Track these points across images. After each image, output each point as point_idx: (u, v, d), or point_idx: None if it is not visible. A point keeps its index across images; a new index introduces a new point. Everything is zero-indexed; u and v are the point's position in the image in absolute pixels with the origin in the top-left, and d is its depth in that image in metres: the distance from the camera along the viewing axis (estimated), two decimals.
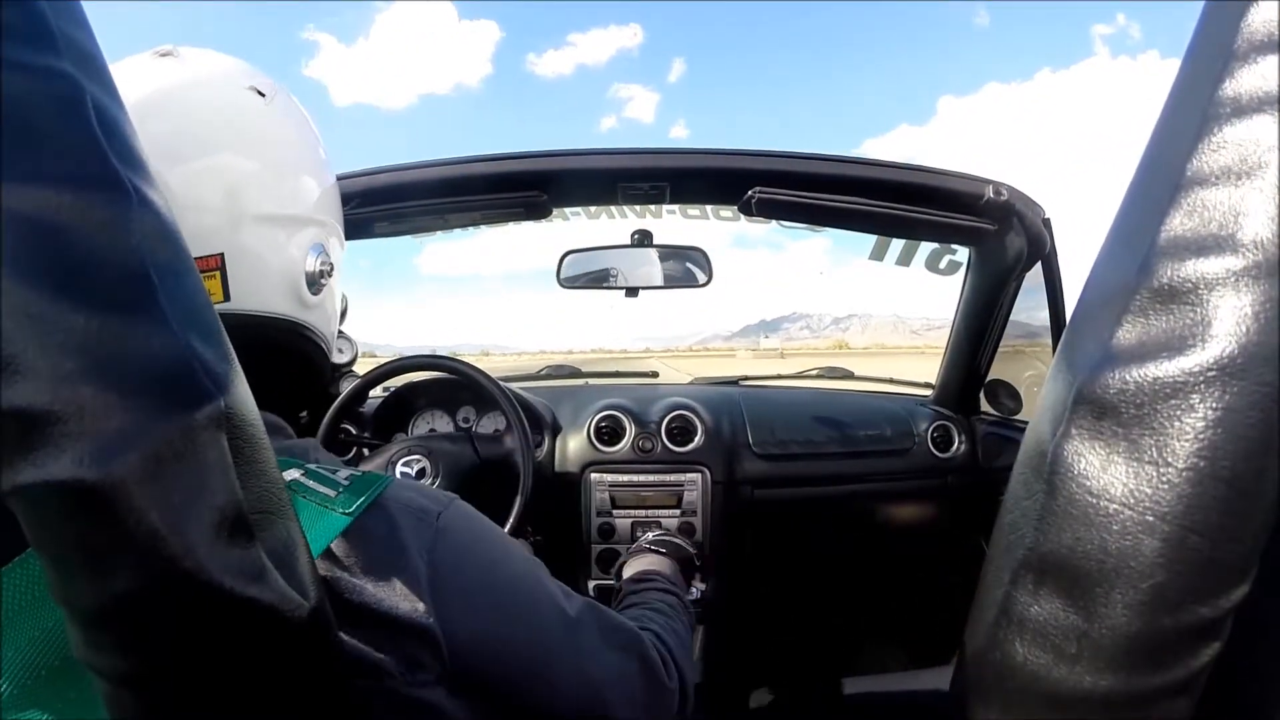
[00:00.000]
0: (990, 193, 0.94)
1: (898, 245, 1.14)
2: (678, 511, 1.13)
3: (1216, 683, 0.27)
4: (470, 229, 1.10)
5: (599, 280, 1.16)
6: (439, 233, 1.10)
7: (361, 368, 1.13)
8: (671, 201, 1.08)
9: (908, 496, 1.24)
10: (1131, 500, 0.25)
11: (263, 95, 0.44)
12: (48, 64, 0.22)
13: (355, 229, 0.93)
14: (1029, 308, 1.14)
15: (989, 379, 1.23)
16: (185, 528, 0.22)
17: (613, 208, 1.16)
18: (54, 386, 0.20)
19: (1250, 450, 0.24)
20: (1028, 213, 0.98)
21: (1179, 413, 0.24)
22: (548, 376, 1.60)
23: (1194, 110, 0.26)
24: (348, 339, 1.16)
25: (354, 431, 1.09)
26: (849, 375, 1.57)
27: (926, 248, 1.14)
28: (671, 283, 1.15)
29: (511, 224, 1.08)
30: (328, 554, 0.32)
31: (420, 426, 1.23)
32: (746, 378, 1.50)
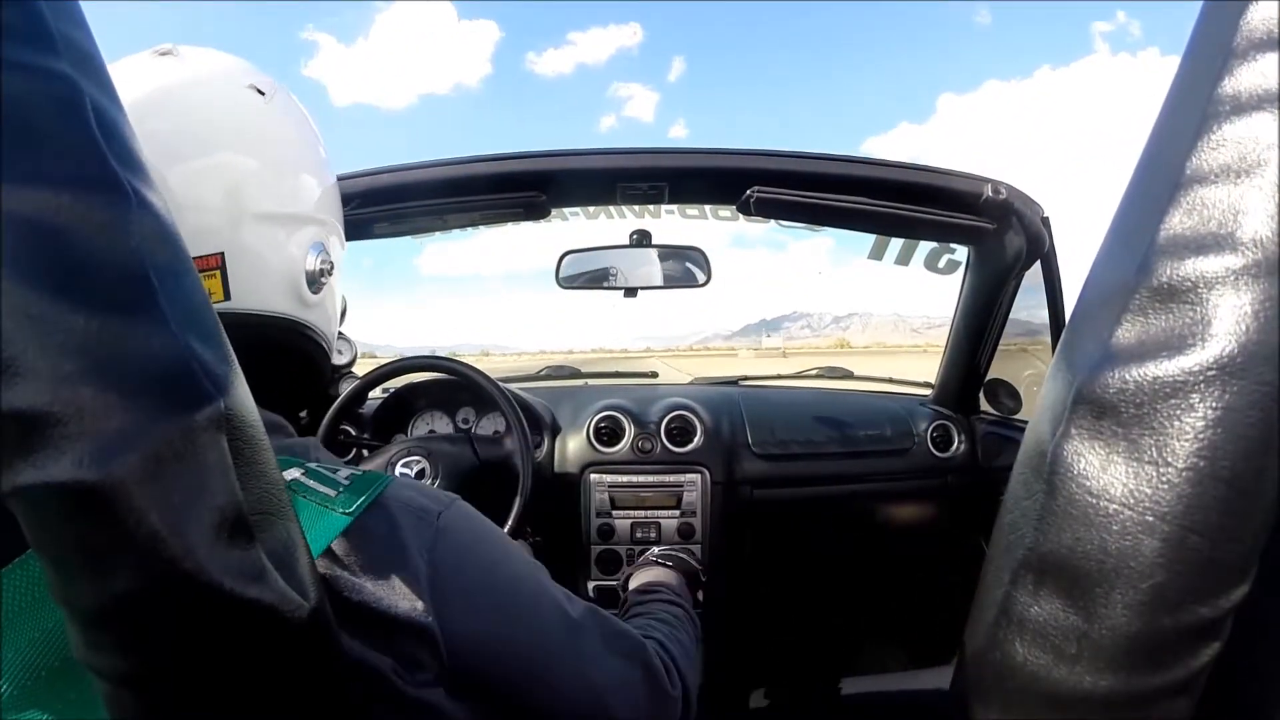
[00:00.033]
0: (989, 191, 0.94)
1: (897, 244, 1.14)
2: (677, 512, 1.13)
3: (1216, 683, 0.27)
4: (470, 229, 1.10)
5: (598, 280, 1.16)
6: (438, 233, 1.10)
7: (361, 368, 1.13)
8: (670, 201, 1.08)
9: (907, 496, 1.24)
10: (1131, 500, 0.25)
11: (262, 94, 0.44)
12: (47, 65, 0.22)
13: (355, 230, 0.93)
14: (1028, 306, 1.14)
15: (988, 378, 1.24)
16: (185, 528, 0.22)
17: (611, 208, 1.16)
18: (54, 387, 0.20)
19: (1250, 450, 0.24)
20: (1026, 211, 0.98)
21: (1179, 412, 0.24)
22: (547, 377, 1.60)
23: (1193, 108, 0.26)
24: (347, 340, 1.16)
25: (353, 432, 1.09)
26: (848, 375, 1.57)
27: (925, 247, 1.14)
28: (670, 283, 1.16)
29: (511, 224, 1.08)
30: (328, 553, 0.32)
31: (420, 427, 1.23)
32: (746, 378, 1.50)
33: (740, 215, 1.06)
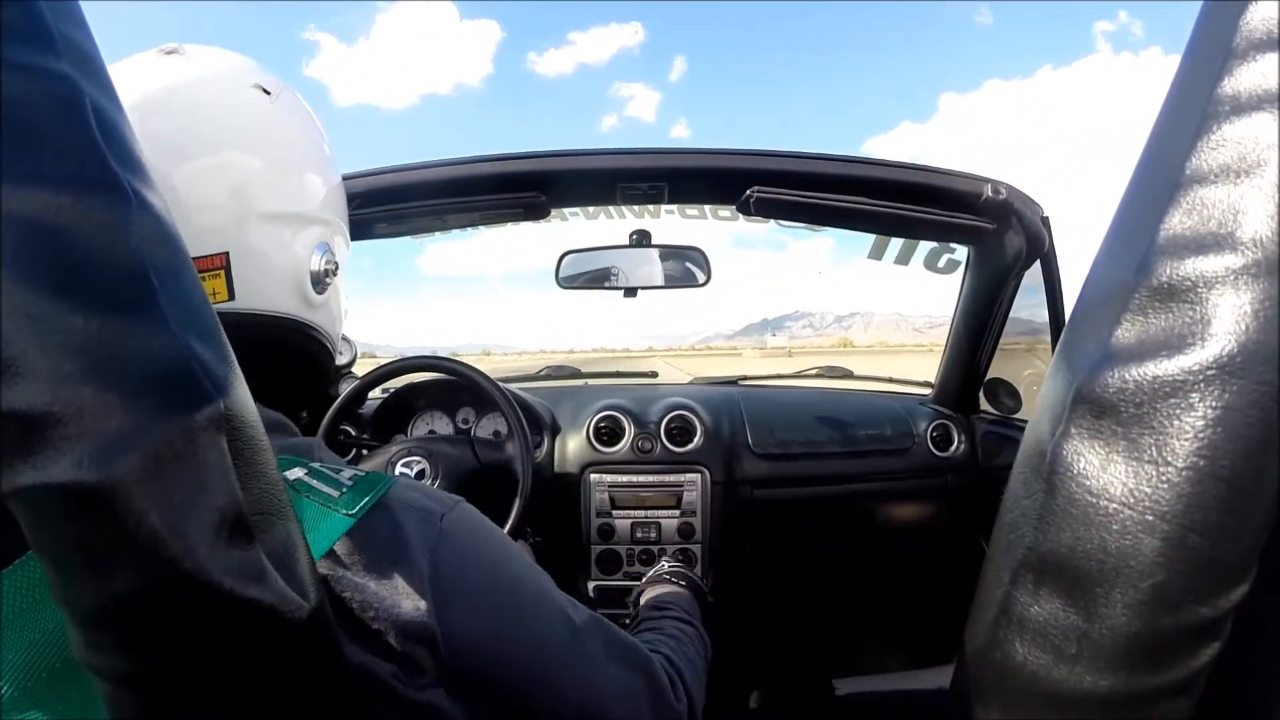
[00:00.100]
0: (989, 191, 0.94)
1: (897, 244, 1.14)
2: (677, 512, 1.13)
3: (1216, 683, 0.27)
4: (470, 229, 1.10)
5: (598, 280, 1.16)
6: (439, 233, 1.10)
7: (361, 368, 1.13)
8: (670, 201, 1.08)
9: (907, 496, 1.24)
10: (1131, 499, 0.25)
11: (268, 93, 0.44)
12: (47, 65, 0.22)
13: (355, 230, 0.92)
14: (1028, 306, 1.14)
15: (988, 378, 1.24)
16: (185, 529, 0.22)
17: (611, 208, 1.16)
18: (54, 388, 0.20)
19: (1250, 449, 0.24)
20: (1026, 211, 0.98)
21: (1178, 412, 0.24)
22: (547, 377, 1.60)
23: (1193, 108, 0.26)
24: (347, 340, 1.16)
25: (353, 433, 1.09)
26: (848, 374, 1.57)
27: (925, 246, 1.14)
28: (671, 282, 1.16)
29: (511, 225, 1.08)
30: (330, 553, 0.32)
31: (420, 428, 1.22)
32: (746, 377, 1.50)
33: (740, 215, 1.06)
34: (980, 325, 1.17)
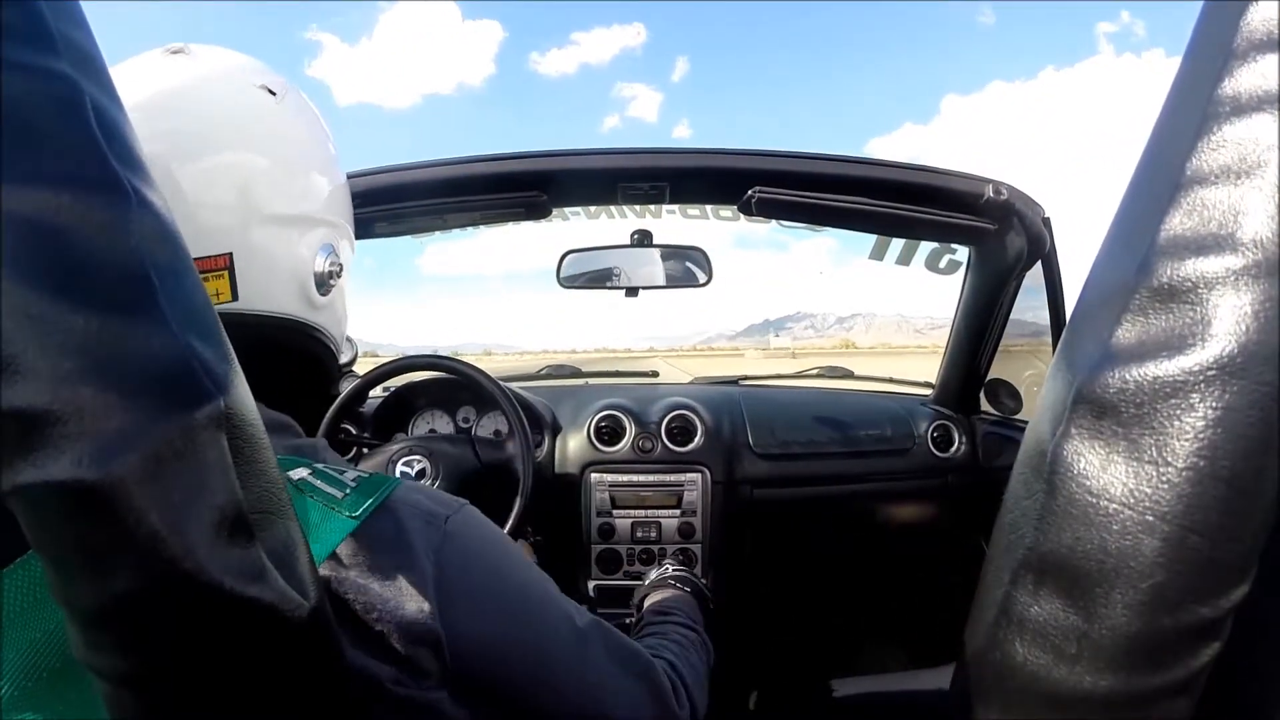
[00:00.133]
0: (990, 192, 0.94)
1: (898, 245, 1.14)
2: (678, 512, 1.13)
3: (1216, 683, 0.27)
4: (470, 229, 1.10)
5: (599, 280, 1.16)
6: (439, 233, 1.10)
7: (363, 367, 1.13)
8: (671, 201, 1.08)
9: (908, 496, 1.24)
10: (1131, 500, 0.25)
11: (273, 94, 0.44)
12: (47, 65, 0.22)
13: (356, 229, 0.93)
14: (1030, 307, 1.14)
15: (989, 378, 1.23)
16: (185, 528, 0.22)
17: (612, 207, 1.16)
18: (54, 387, 0.20)
19: (1250, 450, 0.24)
20: (1027, 212, 0.98)
21: (1179, 412, 0.24)
22: (548, 376, 1.60)
23: (1194, 109, 0.26)
24: (349, 339, 1.16)
25: (354, 431, 1.09)
26: (849, 375, 1.57)
27: (926, 247, 1.14)
28: (672, 282, 1.16)
29: (512, 224, 1.08)
30: (334, 555, 0.32)
31: (420, 426, 1.23)
32: (746, 377, 1.50)
33: (741, 215, 1.06)
34: (981, 326, 1.17)
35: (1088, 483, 0.27)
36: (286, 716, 0.28)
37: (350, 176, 0.91)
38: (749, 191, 0.95)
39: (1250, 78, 0.24)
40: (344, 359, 1.14)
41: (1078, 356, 0.28)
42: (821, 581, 1.36)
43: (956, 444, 1.23)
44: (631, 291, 1.16)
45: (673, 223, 1.16)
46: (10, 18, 0.22)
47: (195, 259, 0.26)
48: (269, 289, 0.43)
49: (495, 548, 0.41)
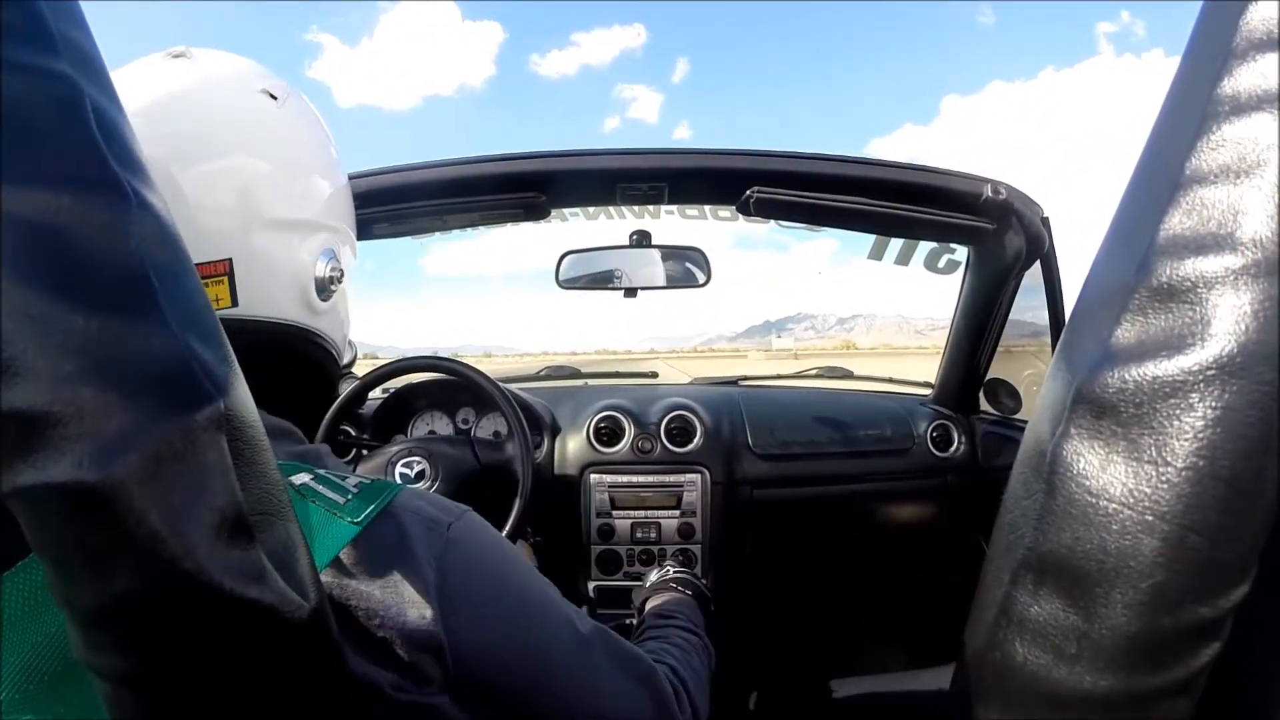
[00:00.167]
0: (989, 192, 0.94)
1: (896, 244, 1.14)
2: (677, 512, 1.13)
3: (1216, 683, 0.27)
4: (470, 230, 1.10)
5: (598, 281, 1.16)
6: (439, 233, 1.10)
7: (363, 369, 1.13)
8: (670, 202, 1.08)
9: (907, 496, 1.24)
10: (1131, 500, 0.25)
11: (275, 98, 0.44)
12: (47, 65, 0.22)
13: (357, 230, 0.93)
14: (1029, 307, 1.14)
15: (988, 378, 1.24)
16: (185, 529, 0.22)
17: (611, 208, 1.16)
18: (54, 388, 0.20)
19: (1250, 449, 0.24)
20: (1026, 212, 0.98)
21: (1178, 412, 0.24)
22: (547, 377, 1.60)
23: (1193, 109, 0.26)
24: (349, 341, 1.16)
25: (353, 433, 1.09)
26: (848, 375, 1.57)
27: (925, 247, 1.14)
28: (671, 283, 1.16)
29: (511, 225, 1.08)
30: (335, 561, 0.32)
31: (419, 428, 1.22)
32: (746, 377, 1.50)
33: (740, 216, 1.06)
34: (980, 325, 1.17)
35: (1087, 482, 0.27)
36: (286, 717, 0.28)
37: (351, 178, 0.91)
38: (747, 192, 0.95)
39: (1250, 77, 0.24)
40: (344, 360, 1.14)
41: (1077, 356, 0.28)
42: (821, 581, 1.36)
43: (956, 444, 1.23)
44: (630, 292, 1.16)
45: (672, 223, 1.17)
46: (10, 18, 0.22)
47: (195, 264, 0.26)
48: (269, 294, 0.42)
49: (497, 554, 0.40)
